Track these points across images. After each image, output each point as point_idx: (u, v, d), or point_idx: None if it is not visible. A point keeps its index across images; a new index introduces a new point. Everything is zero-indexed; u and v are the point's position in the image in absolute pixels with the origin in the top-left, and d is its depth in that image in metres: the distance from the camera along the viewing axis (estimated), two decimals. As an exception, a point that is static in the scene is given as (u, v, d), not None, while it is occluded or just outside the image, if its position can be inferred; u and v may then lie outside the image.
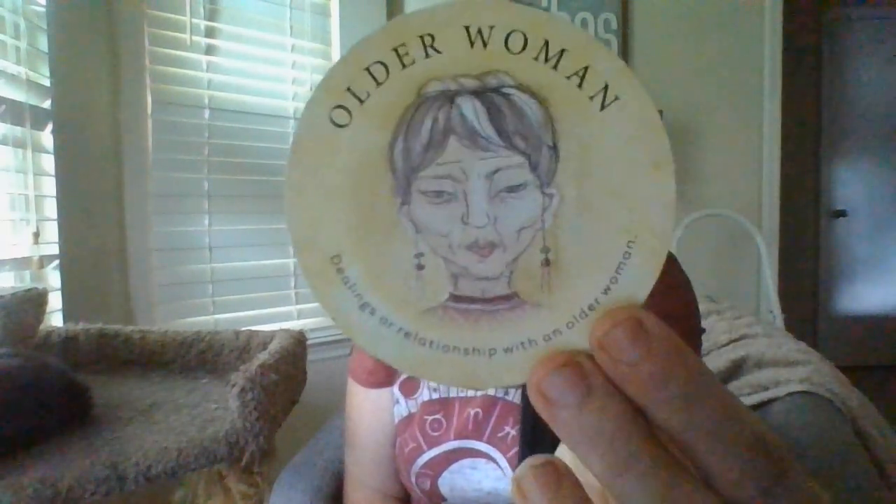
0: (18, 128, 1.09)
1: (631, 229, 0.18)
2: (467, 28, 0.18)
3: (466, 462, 0.60)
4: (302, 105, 1.62)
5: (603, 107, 0.18)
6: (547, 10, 1.94)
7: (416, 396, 0.64)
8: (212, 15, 1.49)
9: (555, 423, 0.16)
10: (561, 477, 0.16)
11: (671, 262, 0.54)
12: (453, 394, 0.63)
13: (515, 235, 0.19)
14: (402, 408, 0.65)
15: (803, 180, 3.30)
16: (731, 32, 2.13)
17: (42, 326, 0.97)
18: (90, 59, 1.29)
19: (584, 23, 1.99)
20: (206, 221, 1.49)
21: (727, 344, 1.14)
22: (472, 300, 0.19)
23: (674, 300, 0.57)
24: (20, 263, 1.11)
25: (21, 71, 1.10)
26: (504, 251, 0.19)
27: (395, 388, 0.66)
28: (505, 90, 0.18)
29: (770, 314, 1.96)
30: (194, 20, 1.44)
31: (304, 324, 1.59)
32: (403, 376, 0.66)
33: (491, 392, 0.61)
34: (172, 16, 1.42)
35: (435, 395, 0.63)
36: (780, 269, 2.19)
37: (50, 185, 1.16)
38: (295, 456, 0.86)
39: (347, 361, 0.70)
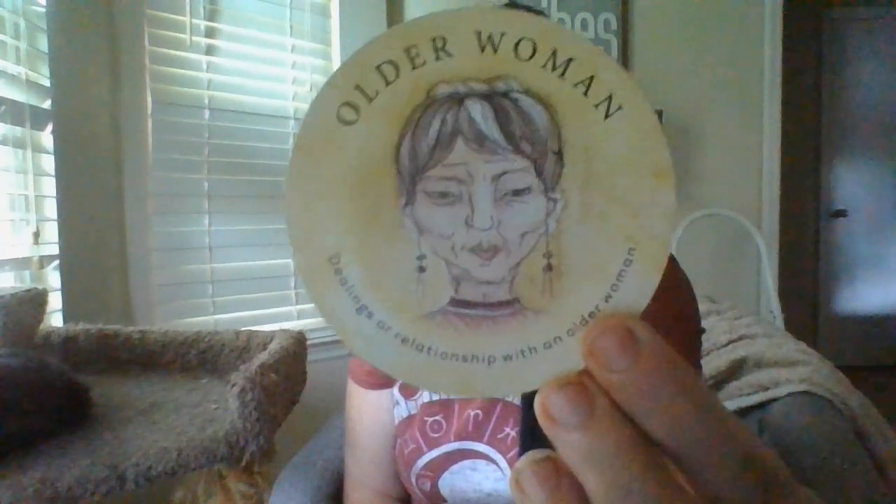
0: (18, 128, 1.09)
1: (632, 236, 0.18)
2: (478, 33, 0.18)
3: (467, 463, 0.60)
4: (302, 105, 1.62)
5: (607, 115, 0.18)
6: (547, 10, 1.94)
7: (416, 398, 0.64)
8: (212, 15, 1.49)
9: (558, 443, 0.16)
10: (560, 473, 0.16)
11: (671, 262, 0.54)
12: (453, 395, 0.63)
13: (519, 240, 0.18)
14: (402, 409, 0.65)
15: (803, 180, 3.30)
16: (731, 32, 2.13)
17: (42, 326, 0.97)
18: (90, 59, 1.29)
19: (584, 23, 1.99)
20: (206, 221, 1.49)
21: (727, 344, 1.14)
22: (472, 305, 0.19)
23: (673, 300, 0.57)
24: (20, 263, 1.11)
25: (21, 71, 1.10)
26: (507, 255, 0.19)
27: (395, 390, 0.66)
28: (513, 95, 0.18)
29: (770, 314, 1.96)
30: (194, 20, 1.44)
31: (304, 324, 1.59)
32: (403, 377, 0.66)
33: (491, 392, 0.61)
34: (172, 16, 1.41)
35: (435, 397, 0.63)
36: (780, 269, 2.19)
37: (50, 185, 1.16)
38: (295, 456, 0.86)
39: (347, 362, 0.70)
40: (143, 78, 1.36)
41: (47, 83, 1.16)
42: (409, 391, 0.65)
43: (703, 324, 0.65)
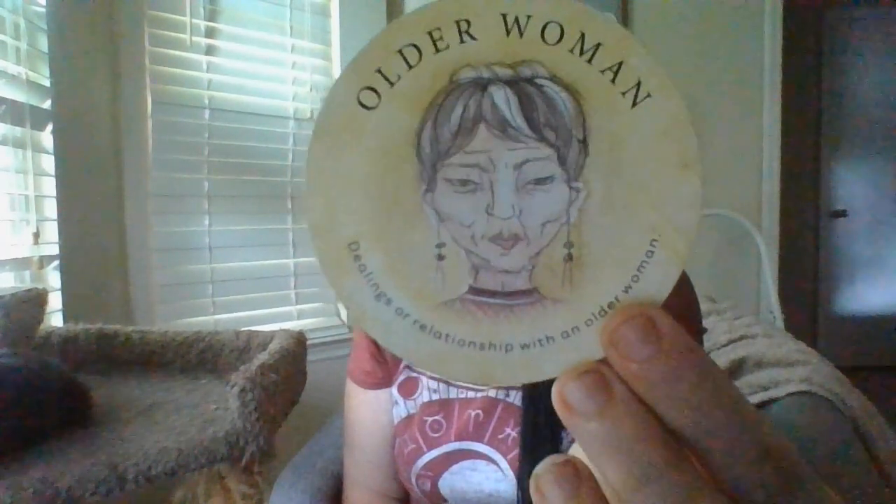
0: (18, 128, 1.09)
1: (656, 228, 0.18)
2: (504, 16, 0.18)
3: (467, 463, 0.60)
4: (302, 105, 1.62)
5: (635, 103, 0.18)
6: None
7: (415, 397, 0.64)
8: (212, 15, 1.49)
9: (575, 432, 0.16)
10: (581, 477, 0.16)
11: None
12: (453, 395, 0.63)
13: (539, 229, 0.18)
14: (402, 409, 0.65)
15: (803, 180, 3.30)
16: (731, 32, 2.13)
17: (42, 326, 0.97)
18: (90, 59, 1.29)
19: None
20: (207, 221, 1.49)
21: (727, 344, 1.14)
22: (491, 293, 0.18)
23: (675, 299, 0.57)
24: (20, 263, 1.11)
25: (21, 71, 1.10)
26: (527, 244, 0.18)
27: (394, 390, 0.66)
28: (538, 81, 0.18)
29: (770, 314, 1.96)
30: (194, 20, 1.44)
31: (304, 324, 1.59)
32: (402, 377, 0.65)
33: (492, 393, 0.61)
34: (172, 16, 1.41)
35: (434, 397, 0.63)
36: (780, 269, 2.19)
37: (50, 185, 1.16)
38: (295, 456, 0.86)
39: (347, 362, 0.70)
40: (143, 78, 1.36)
41: (47, 83, 1.16)
42: (407, 391, 0.65)
43: (704, 324, 0.65)
